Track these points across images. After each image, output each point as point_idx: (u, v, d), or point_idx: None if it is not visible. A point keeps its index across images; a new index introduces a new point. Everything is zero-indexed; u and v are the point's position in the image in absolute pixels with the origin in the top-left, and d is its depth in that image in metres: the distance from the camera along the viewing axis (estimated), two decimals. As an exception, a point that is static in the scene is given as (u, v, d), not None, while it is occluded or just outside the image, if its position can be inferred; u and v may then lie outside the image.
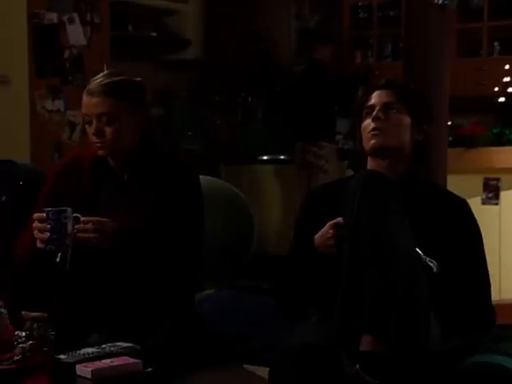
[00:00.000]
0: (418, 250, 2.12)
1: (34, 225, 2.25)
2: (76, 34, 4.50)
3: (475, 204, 2.36)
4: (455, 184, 2.82)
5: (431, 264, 2.15)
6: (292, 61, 6.30)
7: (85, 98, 2.38)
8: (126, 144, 2.38)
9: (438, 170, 3.71)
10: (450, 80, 3.85)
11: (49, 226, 2.21)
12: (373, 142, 2.28)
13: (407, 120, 2.31)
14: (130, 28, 5.83)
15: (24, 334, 2.03)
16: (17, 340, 2.02)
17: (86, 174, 2.44)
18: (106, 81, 2.37)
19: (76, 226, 2.22)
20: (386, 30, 6.19)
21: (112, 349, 2.16)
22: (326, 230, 2.21)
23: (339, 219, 2.18)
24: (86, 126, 2.40)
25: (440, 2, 3.67)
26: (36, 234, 2.25)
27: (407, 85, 2.41)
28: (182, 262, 2.34)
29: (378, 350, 1.94)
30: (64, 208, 2.23)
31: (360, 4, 6.28)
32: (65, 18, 4.48)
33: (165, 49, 6.22)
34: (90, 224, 2.22)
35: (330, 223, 2.20)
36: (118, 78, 2.39)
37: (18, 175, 2.89)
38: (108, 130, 2.34)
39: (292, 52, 6.37)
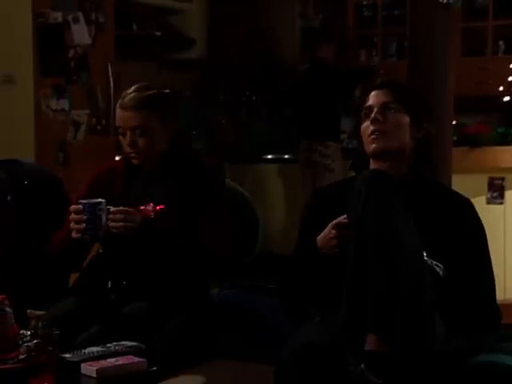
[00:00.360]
0: (424, 254, 2.12)
1: (70, 216, 2.40)
2: (81, 34, 4.50)
3: (480, 203, 2.36)
4: (460, 183, 2.82)
5: (437, 268, 2.15)
6: (296, 60, 6.29)
7: (119, 112, 2.54)
8: (157, 152, 2.54)
9: (443, 170, 3.70)
10: (454, 79, 3.84)
11: (85, 217, 2.37)
12: (373, 146, 2.27)
13: (406, 119, 2.29)
14: (134, 27, 5.83)
15: (29, 332, 2.04)
16: (22, 339, 2.03)
17: (118, 177, 2.60)
18: (139, 95, 2.51)
19: (108, 216, 2.37)
20: (390, 29, 6.18)
21: (117, 348, 2.16)
22: (328, 231, 2.20)
23: (341, 219, 2.17)
24: (120, 138, 2.56)
25: (445, 1, 3.66)
26: (72, 225, 2.40)
27: (404, 83, 2.41)
28: (199, 263, 2.45)
29: (382, 350, 1.94)
30: (99, 200, 2.38)
31: (364, 3, 6.28)
32: (69, 18, 4.48)
33: (169, 48, 6.22)
34: (120, 214, 2.37)
35: (332, 223, 2.19)
36: (151, 92, 2.54)
37: (22, 175, 2.90)
38: (141, 141, 2.51)
39: (296, 51, 6.36)
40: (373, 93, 2.32)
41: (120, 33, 4.92)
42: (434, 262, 2.15)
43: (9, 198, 2.80)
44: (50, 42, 4.46)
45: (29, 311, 2.09)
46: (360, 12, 6.33)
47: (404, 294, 1.97)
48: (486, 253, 2.27)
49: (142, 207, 2.44)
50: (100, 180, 2.65)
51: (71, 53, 4.51)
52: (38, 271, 2.80)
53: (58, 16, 4.46)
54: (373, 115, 2.28)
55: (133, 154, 2.54)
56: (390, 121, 2.28)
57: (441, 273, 2.15)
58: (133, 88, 2.56)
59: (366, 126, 2.30)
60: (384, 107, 2.28)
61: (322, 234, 2.22)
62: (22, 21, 4.42)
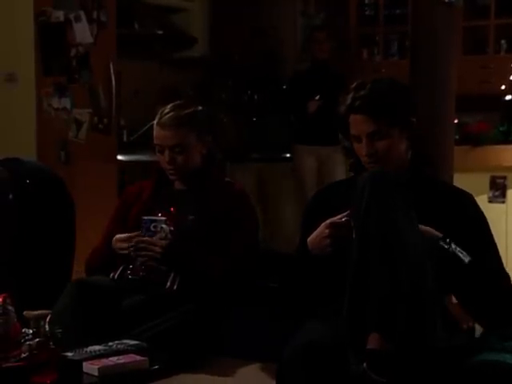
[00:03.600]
0: (447, 241, 2.10)
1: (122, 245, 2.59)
2: (82, 32, 4.50)
3: (482, 202, 2.36)
4: (462, 182, 2.81)
5: (461, 255, 2.12)
6: (298, 58, 6.28)
7: (157, 131, 2.67)
8: (192, 167, 2.69)
9: (445, 169, 3.70)
10: (456, 78, 3.84)
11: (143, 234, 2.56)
12: (371, 168, 2.26)
13: (395, 134, 2.26)
14: (136, 26, 5.82)
15: (31, 331, 2.04)
16: (24, 337, 2.03)
17: (146, 188, 2.77)
18: (177, 114, 2.65)
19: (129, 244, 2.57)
20: (392, 28, 6.18)
21: (119, 346, 2.17)
22: (321, 230, 2.19)
23: (335, 218, 2.16)
24: (158, 155, 2.69)
25: (447, -1, 3.66)
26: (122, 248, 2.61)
27: (378, 89, 2.26)
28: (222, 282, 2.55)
29: (384, 349, 1.94)
30: (154, 218, 2.58)
31: (366, 2, 6.27)
32: (71, 16, 4.48)
33: (171, 47, 6.22)
34: (142, 243, 2.53)
35: (325, 223, 2.18)
36: (188, 110, 2.69)
37: (24, 173, 2.90)
38: (179, 158, 2.66)
39: (298, 50, 6.36)
40: (352, 118, 2.26)
41: (122, 31, 4.91)
42: (458, 249, 2.12)
43: (10, 196, 2.80)
44: (51, 40, 4.46)
45: (25, 312, 2.09)
46: (362, 11, 6.32)
47: (407, 292, 1.97)
48: (493, 244, 2.27)
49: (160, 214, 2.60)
50: (131, 191, 2.82)
51: (73, 51, 4.51)
52: (39, 270, 2.80)
53: (59, 15, 4.45)
54: (363, 146, 2.25)
55: (172, 171, 2.68)
56: (381, 149, 2.25)
57: (466, 260, 2.12)
58: (169, 107, 2.69)
59: (359, 148, 2.28)
60: (370, 137, 2.24)
61: (314, 235, 2.20)
62: (23, 19, 4.42)
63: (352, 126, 2.27)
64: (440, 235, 2.12)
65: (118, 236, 2.61)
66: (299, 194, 5.47)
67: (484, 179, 4.85)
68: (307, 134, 5.50)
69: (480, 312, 2.17)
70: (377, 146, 2.25)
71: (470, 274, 2.12)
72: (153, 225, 2.54)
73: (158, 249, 2.52)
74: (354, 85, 2.29)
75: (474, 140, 4.98)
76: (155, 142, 2.70)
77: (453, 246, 2.11)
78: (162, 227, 2.54)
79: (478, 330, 2.75)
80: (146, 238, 2.53)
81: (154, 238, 2.53)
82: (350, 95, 2.26)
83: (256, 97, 6.23)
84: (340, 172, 5.40)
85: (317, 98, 5.34)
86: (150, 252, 2.52)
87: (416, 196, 2.18)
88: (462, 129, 5.00)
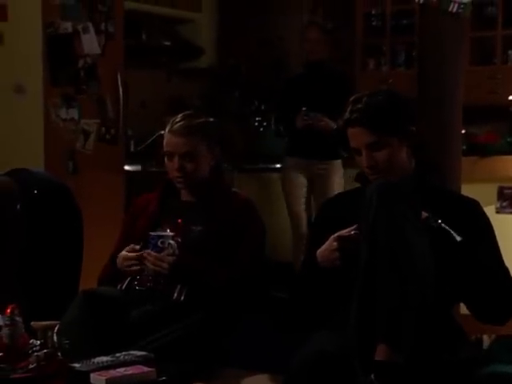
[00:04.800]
0: (436, 220, 2.12)
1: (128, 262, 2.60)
2: (90, 43, 4.52)
3: (489, 213, 2.35)
4: (469, 193, 2.80)
5: (453, 232, 2.12)
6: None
7: (169, 138, 2.70)
8: (200, 177, 2.70)
9: (452, 179, 3.70)
10: (463, 88, 3.84)
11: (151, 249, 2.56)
12: (374, 179, 2.27)
13: (394, 142, 2.27)
14: (143, 37, 5.85)
15: (39, 342, 2.04)
16: (31, 348, 2.03)
17: (154, 198, 2.78)
18: (189, 122, 2.68)
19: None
20: (399, 39, 6.18)
21: (126, 357, 2.16)
22: (329, 243, 2.20)
23: (344, 232, 2.18)
24: (167, 162, 2.71)
25: (454, 10, 3.66)
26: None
27: (373, 102, 2.28)
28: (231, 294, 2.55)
29: (392, 360, 1.94)
30: (162, 233, 2.58)
31: (373, 12, 6.27)
32: (79, 28, 4.50)
33: (178, 57, 6.24)
34: (150, 257, 2.54)
35: (333, 236, 2.20)
36: (200, 120, 2.72)
37: (32, 184, 2.91)
38: (189, 166, 2.67)
39: (304, 59, 6.37)
40: (350, 131, 2.29)
41: (129, 42, 4.93)
42: (448, 228, 2.13)
43: (18, 207, 2.81)
44: (59, 51, 4.47)
45: (33, 323, 2.09)
46: (369, 21, 6.32)
47: (415, 303, 1.97)
48: (497, 250, 2.26)
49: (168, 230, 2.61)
50: (137, 205, 2.83)
51: (81, 62, 4.53)
52: (47, 280, 2.80)
53: (67, 26, 4.47)
54: (364, 161, 2.27)
55: (180, 179, 2.69)
56: (381, 159, 2.26)
57: (457, 238, 2.13)
58: (181, 116, 2.72)
59: (360, 161, 2.30)
60: (369, 149, 2.26)
61: (323, 247, 2.22)
62: (32, 31, 4.43)
63: (351, 139, 2.30)
64: (428, 215, 2.12)
65: (123, 254, 2.62)
66: (288, 210, 5.20)
67: (492, 190, 4.84)
68: (297, 146, 5.09)
69: (476, 302, 2.16)
70: (377, 156, 2.26)
71: (463, 252, 2.12)
72: (160, 241, 2.55)
73: (165, 265, 2.53)
74: (351, 99, 2.33)
75: (482, 150, 4.96)
76: (165, 148, 2.71)
77: (443, 225, 2.12)
78: (169, 243, 2.54)
79: (486, 341, 2.75)
80: (153, 254, 2.54)
81: (162, 254, 2.54)
82: (348, 109, 2.30)
83: (263, 107, 6.24)
84: (336, 189, 4.94)
85: (303, 109, 4.87)
86: (157, 268, 2.53)
87: (422, 204, 2.18)
88: (469, 139, 4.99)
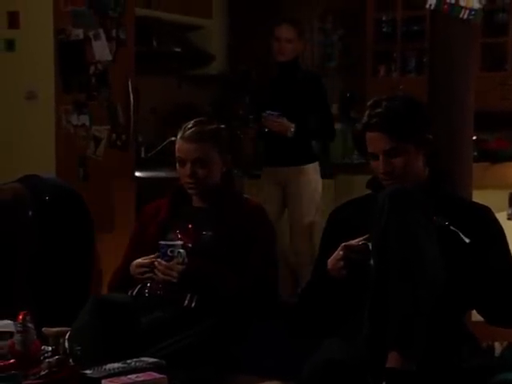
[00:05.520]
0: (444, 221, 2.12)
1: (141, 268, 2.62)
2: (101, 50, 4.54)
3: (501, 219, 2.35)
4: (480, 199, 2.80)
5: (461, 234, 2.12)
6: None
7: (181, 144, 2.71)
8: (212, 184, 2.71)
9: (463, 185, 3.68)
10: (474, 94, 3.83)
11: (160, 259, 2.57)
12: (388, 185, 2.27)
13: (412, 149, 2.27)
14: (154, 43, 5.86)
15: (50, 348, 2.04)
16: (43, 354, 2.03)
17: (164, 205, 2.78)
18: (200, 128, 2.70)
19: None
20: (409, 45, 6.17)
21: (137, 364, 2.16)
22: (337, 252, 2.20)
23: (353, 241, 2.17)
24: (179, 168, 2.72)
25: (465, 16, 3.65)
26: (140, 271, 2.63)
27: (392, 107, 2.27)
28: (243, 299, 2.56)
29: (404, 367, 1.93)
30: (172, 243, 2.59)
31: (384, 18, 6.27)
32: (91, 34, 4.52)
33: (188, 64, 6.24)
34: (160, 266, 2.55)
35: (342, 245, 2.19)
36: (212, 126, 2.74)
37: (43, 190, 2.92)
38: (200, 172, 2.68)
39: (315, 66, 6.37)
40: (368, 135, 2.28)
41: (140, 49, 4.95)
42: (456, 230, 2.14)
43: (30, 213, 2.82)
44: (71, 58, 4.50)
45: (44, 329, 2.10)
46: (379, 27, 6.32)
47: (427, 311, 1.96)
48: (509, 254, 2.25)
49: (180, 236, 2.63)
50: (147, 212, 2.84)
51: (92, 69, 4.55)
52: (58, 286, 2.81)
53: (79, 33, 4.50)
54: (380, 166, 2.26)
55: (191, 185, 2.70)
56: (398, 166, 2.26)
57: (466, 240, 2.13)
58: (192, 122, 2.74)
59: (376, 165, 2.29)
60: (387, 155, 2.26)
61: (332, 256, 2.21)
62: (43, 37, 4.46)
63: (369, 144, 2.28)
64: (436, 217, 2.12)
65: (136, 261, 2.63)
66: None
67: (503, 196, 4.82)
68: (268, 153, 4.76)
69: (487, 305, 2.15)
70: (393, 163, 2.25)
71: (473, 254, 2.12)
72: (170, 249, 2.56)
73: (174, 273, 2.55)
74: (369, 102, 2.31)
75: (493, 157, 4.95)
76: (177, 154, 2.73)
77: (451, 227, 2.12)
78: (179, 252, 2.56)
79: (498, 348, 2.73)
80: (163, 263, 2.55)
81: (171, 262, 2.54)
82: (366, 113, 2.28)
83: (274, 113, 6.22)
84: (310, 196, 4.61)
85: (267, 112, 4.53)
86: (167, 277, 2.55)
87: (435, 211, 2.18)
88: (480, 145, 4.97)
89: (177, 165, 2.74)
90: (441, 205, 2.25)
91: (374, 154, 2.28)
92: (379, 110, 2.26)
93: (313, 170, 4.71)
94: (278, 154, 4.70)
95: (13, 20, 4.46)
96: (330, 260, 2.22)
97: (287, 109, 4.58)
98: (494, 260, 2.17)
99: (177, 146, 2.73)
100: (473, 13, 3.66)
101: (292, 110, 4.60)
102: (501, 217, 4.68)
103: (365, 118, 2.28)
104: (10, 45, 4.49)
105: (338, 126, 6.07)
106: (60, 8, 4.45)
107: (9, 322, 2.22)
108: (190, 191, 2.74)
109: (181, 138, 2.72)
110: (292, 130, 4.53)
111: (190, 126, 2.72)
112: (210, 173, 2.70)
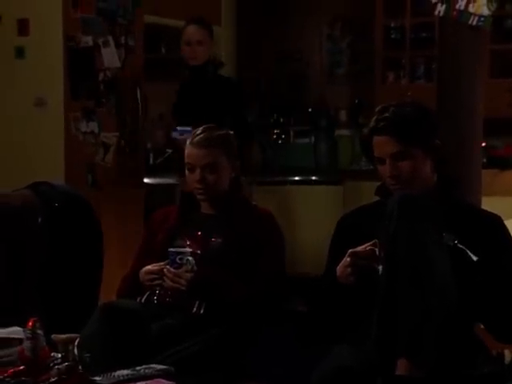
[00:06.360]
0: (453, 239, 2.11)
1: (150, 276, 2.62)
2: (110, 57, 4.55)
3: (510, 226, 2.35)
4: (489, 206, 2.80)
5: (469, 252, 2.11)
6: (324, 82, 6.30)
7: (190, 150, 2.71)
8: (221, 190, 2.71)
9: (473, 192, 3.68)
10: (483, 101, 3.82)
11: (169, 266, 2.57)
12: (395, 190, 2.26)
13: (419, 154, 2.27)
14: (162, 50, 5.88)
15: (60, 355, 2.04)
16: (53, 361, 2.03)
17: (173, 211, 2.79)
18: (210, 134, 2.71)
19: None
20: (418, 52, 6.17)
21: (146, 371, 2.16)
22: (345, 259, 2.20)
23: (359, 248, 2.17)
24: (188, 174, 2.73)
25: (474, 23, 3.65)
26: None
27: (400, 112, 2.28)
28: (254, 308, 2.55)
29: (414, 375, 1.93)
30: (181, 250, 2.59)
31: (392, 25, 6.27)
32: (100, 41, 4.53)
33: (197, 71, 6.24)
34: (169, 273, 2.55)
35: (349, 251, 2.19)
36: (220, 132, 2.74)
37: (53, 197, 2.92)
38: (210, 177, 2.69)
39: (324, 73, 6.38)
40: (375, 139, 2.28)
41: (149, 56, 4.96)
42: (464, 248, 2.13)
43: (39, 220, 2.82)
44: (80, 65, 4.51)
45: (53, 336, 2.10)
46: (388, 34, 6.32)
47: (436, 318, 1.96)
48: None
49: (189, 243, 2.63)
50: (155, 219, 2.83)
51: (101, 76, 4.56)
52: (67, 293, 2.81)
53: (88, 40, 4.51)
54: (387, 168, 2.26)
55: (201, 190, 2.70)
56: (405, 170, 2.26)
57: (474, 258, 2.12)
58: (202, 128, 2.74)
59: (383, 170, 2.29)
60: (394, 158, 2.26)
61: (340, 263, 2.21)
62: (53, 44, 4.47)
63: (375, 148, 2.28)
64: (444, 234, 2.11)
65: (145, 268, 2.63)
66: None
67: (512, 203, 4.81)
68: None
69: (495, 322, 2.14)
70: (400, 166, 2.25)
71: (480, 271, 2.11)
72: (179, 257, 2.56)
73: (183, 281, 2.55)
74: (377, 108, 2.32)
75: (502, 163, 4.95)
76: (186, 160, 2.73)
77: (459, 245, 2.11)
78: (187, 259, 2.56)
79: (508, 356, 2.72)
80: (172, 270, 2.55)
81: (180, 270, 2.55)
82: (374, 118, 2.29)
83: (282, 120, 6.24)
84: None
85: (178, 130, 4.15)
86: (176, 284, 2.55)
87: (444, 218, 2.17)
88: (489, 152, 4.97)
89: (186, 171, 2.74)
90: (450, 212, 2.25)
91: (381, 158, 2.28)
92: (387, 114, 2.27)
93: None
94: None
95: (22, 27, 4.48)
96: (338, 267, 2.22)
97: (201, 113, 4.08)
98: (503, 270, 2.16)
99: (186, 151, 2.74)
100: (482, 19, 3.66)
101: (207, 115, 3.83)
102: (510, 224, 4.68)
103: (372, 123, 2.29)
104: (20, 52, 4.50)
105: (346, 132, 6.11)
106: (69, 15, 4.47)
107: (18, 328, 2.23)
108: (199, 197, 2.74)
109: (190, 144, 2.73)
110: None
111: (198, 132, 2.73)
112: (219, 178, 2.70)
